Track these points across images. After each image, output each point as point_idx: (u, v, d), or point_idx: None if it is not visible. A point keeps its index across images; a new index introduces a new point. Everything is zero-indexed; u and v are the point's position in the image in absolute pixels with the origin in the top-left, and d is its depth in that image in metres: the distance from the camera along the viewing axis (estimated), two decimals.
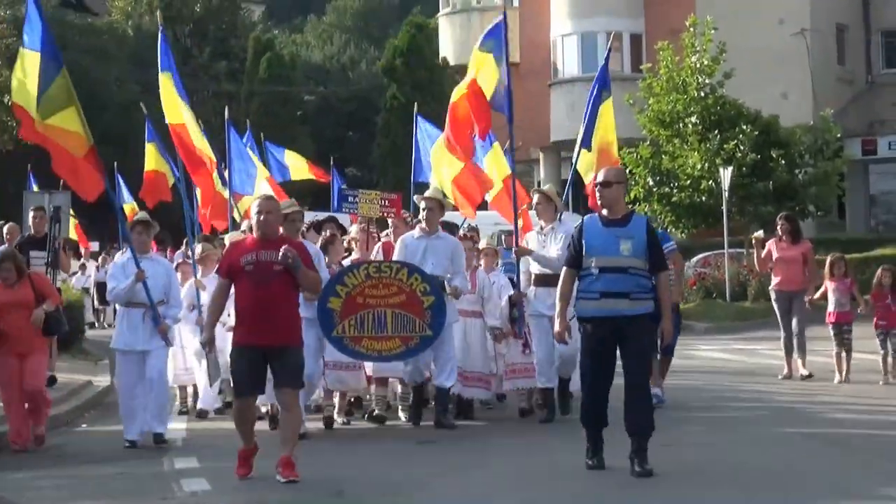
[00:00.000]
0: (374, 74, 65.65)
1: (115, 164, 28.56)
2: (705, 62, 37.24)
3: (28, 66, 13.67)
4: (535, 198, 14.96)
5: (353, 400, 15.74)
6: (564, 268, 11.34)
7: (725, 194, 34.13)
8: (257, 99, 57.29)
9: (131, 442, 13.53)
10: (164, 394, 14.09)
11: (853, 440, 13.20)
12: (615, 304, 10.86)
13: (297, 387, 11.22)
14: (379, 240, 16.35)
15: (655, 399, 14.50)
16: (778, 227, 19.07)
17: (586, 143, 16.64)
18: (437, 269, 14.35)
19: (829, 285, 18.55)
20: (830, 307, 18.53)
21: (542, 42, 48.72)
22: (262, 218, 11.31)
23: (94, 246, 38.97)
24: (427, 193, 15.07)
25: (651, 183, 37.71)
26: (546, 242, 14.56)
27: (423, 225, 14.74)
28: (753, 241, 18.94)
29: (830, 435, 13.59)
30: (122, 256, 14.47)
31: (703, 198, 36.41)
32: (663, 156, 37.86)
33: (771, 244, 18.99)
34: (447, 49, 53.34)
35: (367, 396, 15.73)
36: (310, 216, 18.38)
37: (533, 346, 14.85)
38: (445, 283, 14.34)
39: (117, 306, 14.44)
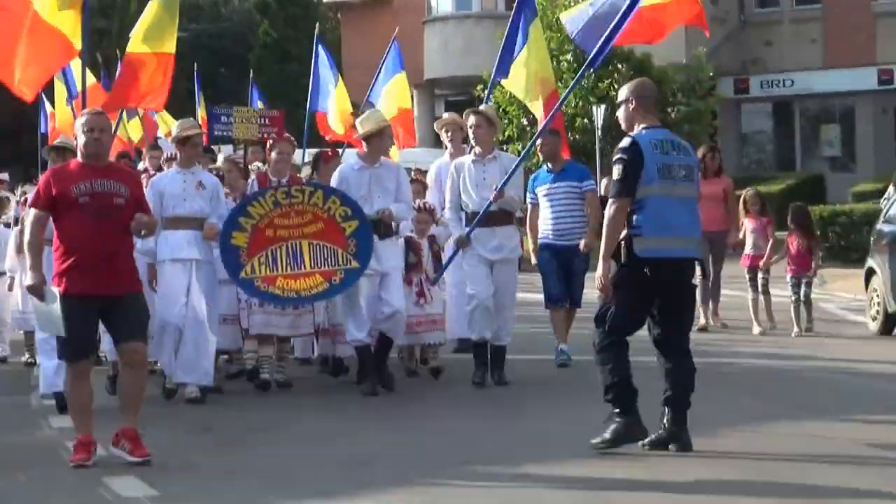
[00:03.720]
0: (246, 10, 64.97)
1: (195, 64, 27.12)
2: (579, 1, 37.28)
3: None
4: (472, 120, 12.66)
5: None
6: (618, 199, 9.00)
7: (599, 133, 34.34)
8: (128, 35, 56.27)
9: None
10: None
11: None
12: (684, 242, 9.16)
13: (145, 339, 9.41)
14: (248, 173, 13.90)
15: (565, 356, 13.70)
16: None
17: (503, 73, 14.80)
18: (385, 202, 12.14)
19: (746, 224, 17.17)
20: (746, 249, 17.16)
21: None
22: (94, 136, 9.17)
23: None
24: (371, 115, 12.84)
25: (525, 122, 37.68)
26: (486, 174, 12.49)
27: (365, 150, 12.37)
28: None
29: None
30: None
31: (577, 136, 36.47)
32: None
33: None
34: None
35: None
36: None
37: (455, 295, 13.19)
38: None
39: None
